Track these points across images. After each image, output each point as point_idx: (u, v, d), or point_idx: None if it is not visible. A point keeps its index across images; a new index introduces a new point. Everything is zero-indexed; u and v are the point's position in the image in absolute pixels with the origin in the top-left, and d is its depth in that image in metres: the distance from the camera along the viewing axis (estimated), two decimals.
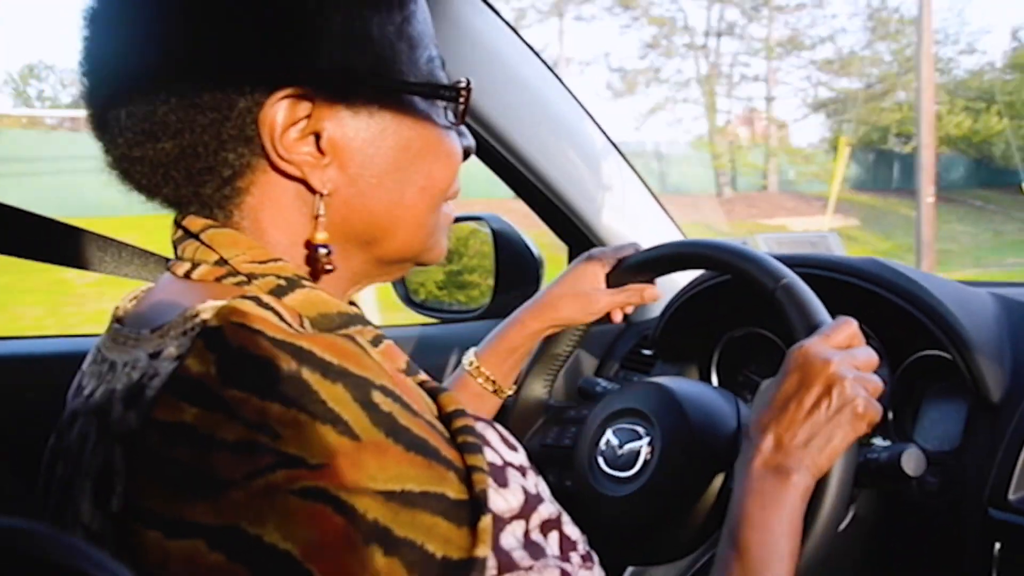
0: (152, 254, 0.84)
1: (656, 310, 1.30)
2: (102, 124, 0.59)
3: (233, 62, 0.55)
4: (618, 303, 0.99)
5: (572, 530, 0.59)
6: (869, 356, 0.74)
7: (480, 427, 0.55)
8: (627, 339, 1.33)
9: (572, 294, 0.97)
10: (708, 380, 1.22)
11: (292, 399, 0.46)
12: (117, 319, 0.64)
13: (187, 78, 0.55)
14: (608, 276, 0.98)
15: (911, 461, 0.80)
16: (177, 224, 0.61)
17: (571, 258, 1.43)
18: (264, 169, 0.58)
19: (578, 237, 1.35)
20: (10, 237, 0.81)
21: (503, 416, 1.03)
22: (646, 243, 0.99)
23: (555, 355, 1.06)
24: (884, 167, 18.45)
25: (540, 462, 1.05)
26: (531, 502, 0.55)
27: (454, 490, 0.48)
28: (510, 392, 1.00)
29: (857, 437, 0.71)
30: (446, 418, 0.53)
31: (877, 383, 0.72)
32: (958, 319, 0.93)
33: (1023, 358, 0.94)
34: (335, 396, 0.47)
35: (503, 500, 0.53)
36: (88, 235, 0.82)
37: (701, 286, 1.18)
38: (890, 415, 1.03)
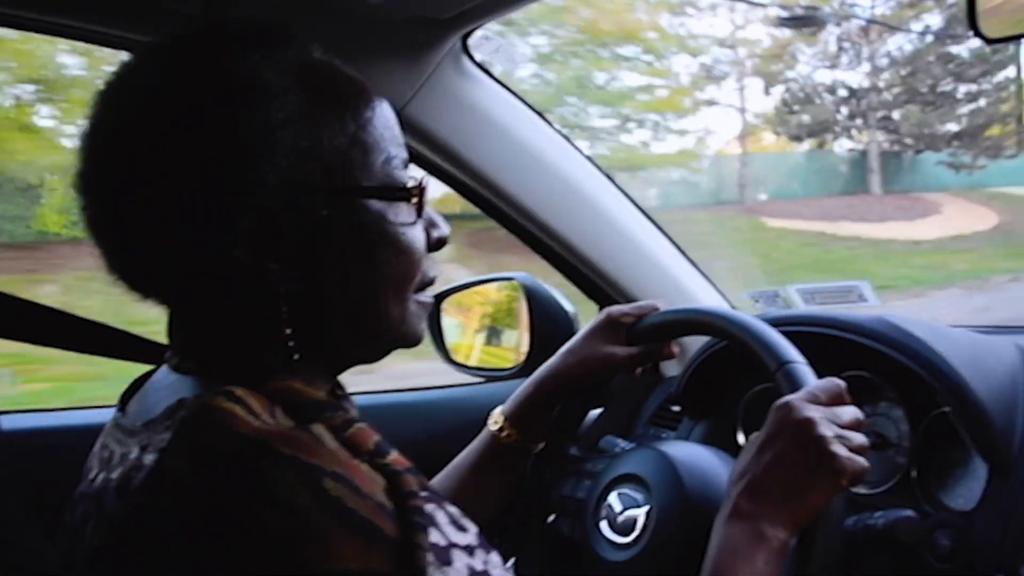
0: (152, 342, 0.94)
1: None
2: (102, 231, 0.66)
3: (192, 191, 0.62)
4: (637, 360, 0.99)
5: None
6: (853, 415, 0.74)
7: (430, 508, 0.59)
8: (657, 394, 1.33)
9: (590, 354, 0.99)
10: (734, 436, 1.21)
11: (251, 491, 0.54)
12: (122, 406, 0.73)
13: (155, 205, 0.62)
14: (628, 333, 0.99)
15: (905, 529, 0.78)
16: (170, 318, 0.69)
17: None
18: (232, 273, 0.64)
19: (604, 295, 1.37)
20: (21, 325, 0.93)
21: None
22: (672, 297, 0.99)
23: (578, 408, 1.08)
24: None
25: (557, 511, 1.07)
26: None
27: (393, 566, 0.54)
28: (537, 448, 1.02)
29: (837, 493, 0.71)
30: (401, 498, 0.57)
31: (861, 441, 0.72)
32: (962, 376, 0.90)
33: None
34: (287, 484, 0.54)
35: None
36: (96, 325, 0.93)
37: (723, 342, 1.17)
38: (913, 474, 1.00)
